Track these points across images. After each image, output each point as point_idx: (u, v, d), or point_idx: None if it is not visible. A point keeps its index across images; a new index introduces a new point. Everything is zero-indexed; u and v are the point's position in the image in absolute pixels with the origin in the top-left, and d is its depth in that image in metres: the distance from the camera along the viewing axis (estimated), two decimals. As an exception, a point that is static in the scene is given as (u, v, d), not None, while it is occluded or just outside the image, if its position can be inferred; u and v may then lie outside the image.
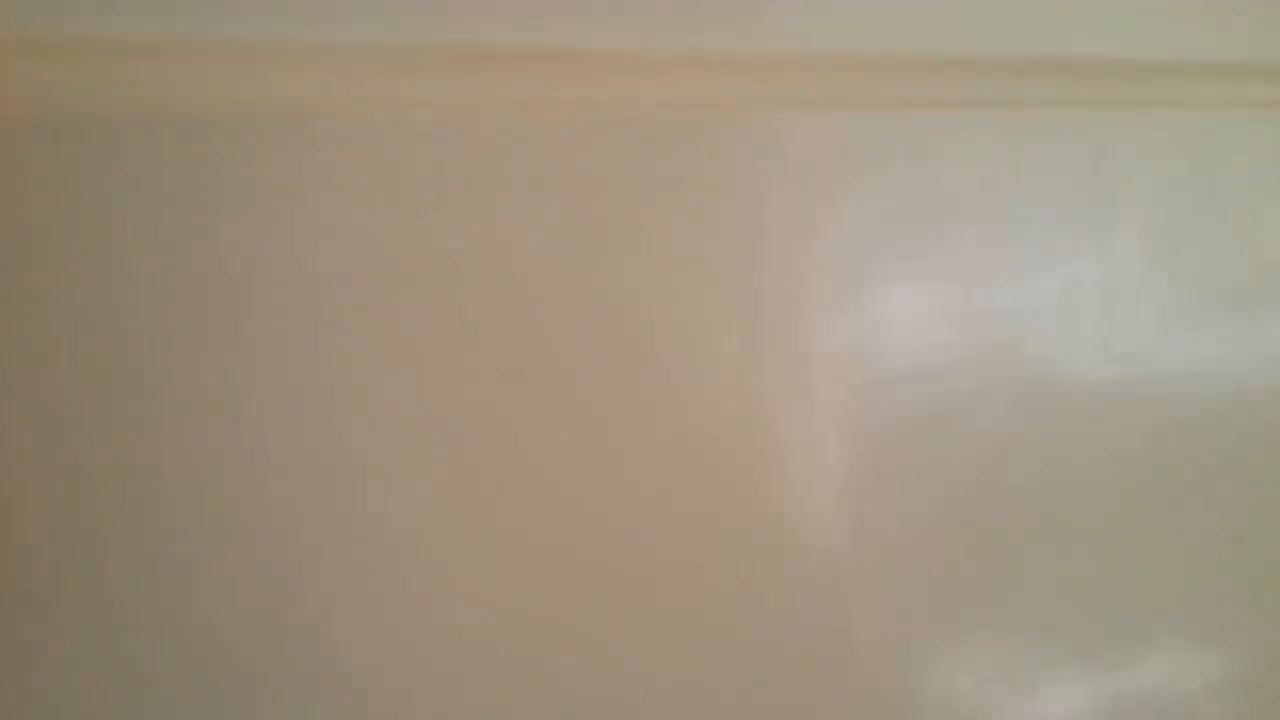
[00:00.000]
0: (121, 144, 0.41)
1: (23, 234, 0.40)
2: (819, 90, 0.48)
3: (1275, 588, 0.54)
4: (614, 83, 0.46)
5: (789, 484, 0.49)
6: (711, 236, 0.47)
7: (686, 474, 0.48)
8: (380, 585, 0.45)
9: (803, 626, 0.50)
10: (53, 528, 0.41)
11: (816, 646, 0.50)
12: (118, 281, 0.41)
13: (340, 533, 0.44)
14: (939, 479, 0.51)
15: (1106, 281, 0.52)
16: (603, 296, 0.46)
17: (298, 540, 0.44)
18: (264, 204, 0.42)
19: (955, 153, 0.50)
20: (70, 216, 0.40)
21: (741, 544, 0.49)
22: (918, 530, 0.51)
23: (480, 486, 0.46)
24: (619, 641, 0.48)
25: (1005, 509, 0.51)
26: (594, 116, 0.45)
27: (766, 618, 0.49)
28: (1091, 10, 0.51)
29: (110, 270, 0.41)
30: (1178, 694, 0.53)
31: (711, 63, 0.47)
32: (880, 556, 0.50)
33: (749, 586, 0.49)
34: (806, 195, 0.48)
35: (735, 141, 0.47)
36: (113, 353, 0.41)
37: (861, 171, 0.49)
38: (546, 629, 0.47)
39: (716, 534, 0.48)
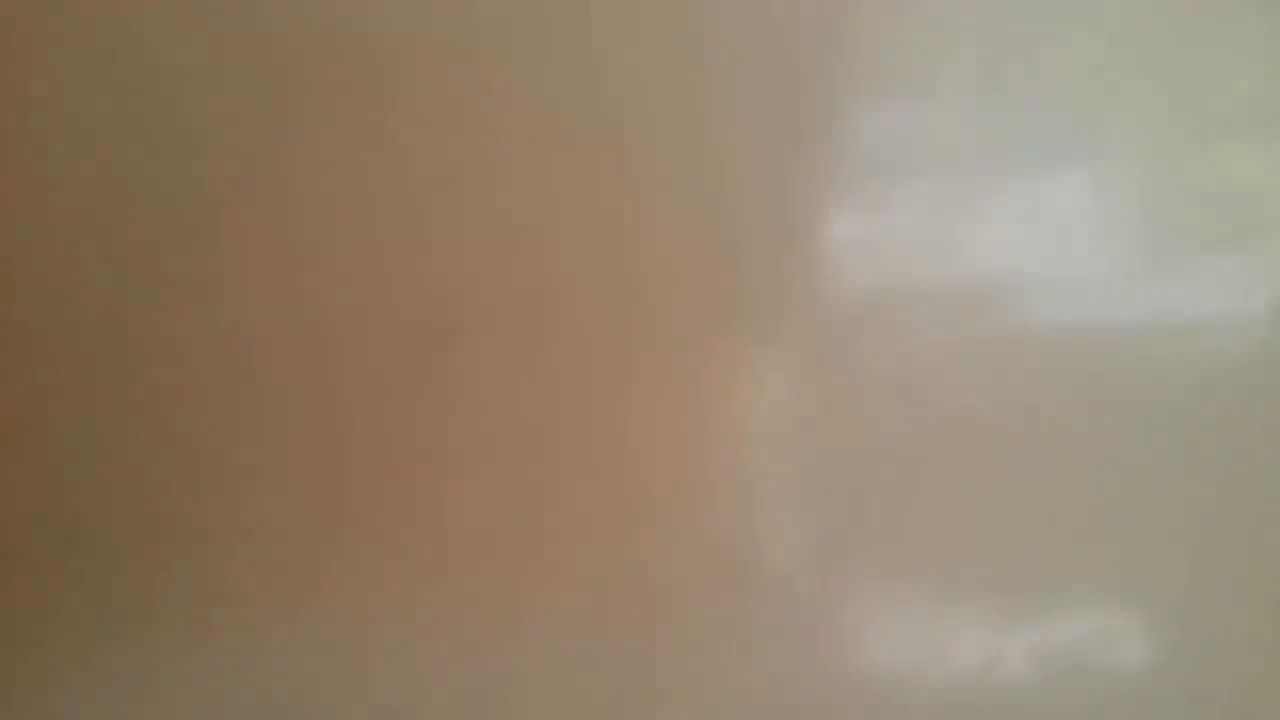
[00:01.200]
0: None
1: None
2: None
3: (1227, 548, 0.52)
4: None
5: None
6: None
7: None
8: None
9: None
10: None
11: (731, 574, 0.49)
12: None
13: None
14: (896, 408, 0.49)
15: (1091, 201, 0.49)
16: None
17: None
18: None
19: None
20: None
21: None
22: (866, 464, 0.49)
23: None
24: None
25: (959, 451, 0.49)
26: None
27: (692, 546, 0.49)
28: None
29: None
30: (1111, 650, 0.51)
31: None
32: (825, 484, 0.49)
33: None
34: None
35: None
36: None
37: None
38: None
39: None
